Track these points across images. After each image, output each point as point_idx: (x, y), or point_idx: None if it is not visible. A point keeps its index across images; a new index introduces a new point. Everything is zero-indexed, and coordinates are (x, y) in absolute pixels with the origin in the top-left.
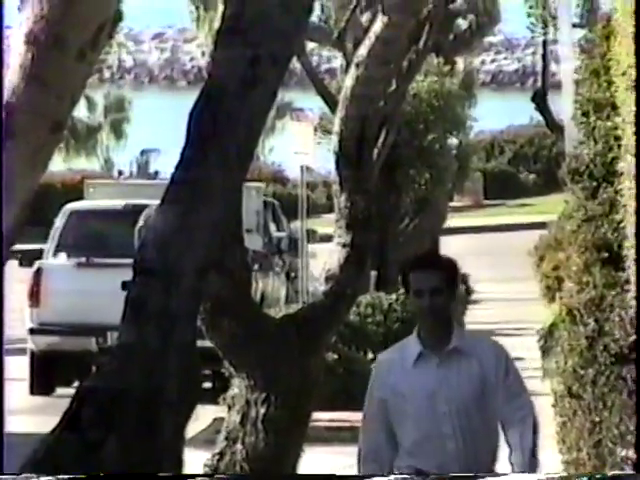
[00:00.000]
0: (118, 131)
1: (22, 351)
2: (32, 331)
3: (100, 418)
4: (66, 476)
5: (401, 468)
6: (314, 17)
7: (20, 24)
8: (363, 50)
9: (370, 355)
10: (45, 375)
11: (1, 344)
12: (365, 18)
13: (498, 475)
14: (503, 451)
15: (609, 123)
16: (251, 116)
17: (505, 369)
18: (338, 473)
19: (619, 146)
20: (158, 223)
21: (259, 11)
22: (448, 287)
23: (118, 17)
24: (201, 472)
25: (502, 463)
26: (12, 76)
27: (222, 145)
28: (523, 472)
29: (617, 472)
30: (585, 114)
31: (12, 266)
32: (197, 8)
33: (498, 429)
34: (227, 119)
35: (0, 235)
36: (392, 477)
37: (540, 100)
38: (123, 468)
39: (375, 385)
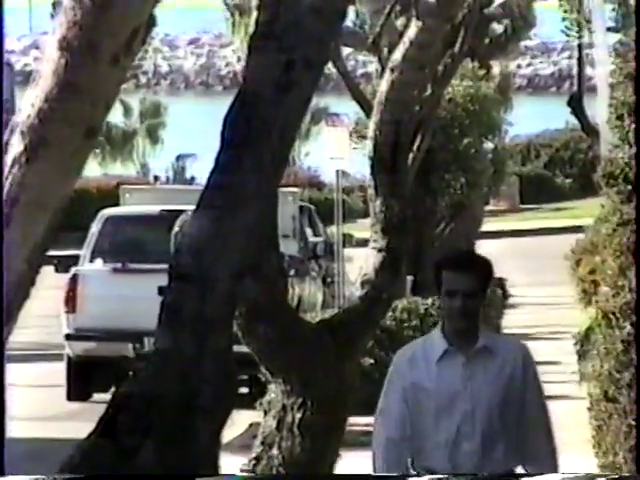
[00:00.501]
0: (154, 136)
1: (59, 357)
2: (69, 337)
3: (136, 424)
4: (66, 475)
5: (417, 467)
6: (349, 22)
7: (53, 30)
8: (398, 55)
9: None
10: (82, 381)
11: (2, 345)
12: (400, 23)
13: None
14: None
15: None
16: (285, 121)
17: (533, 371)
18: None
19: None
20: (193, 228)
21: (293, 16)
22: (481, 290)
23: (152, 22)
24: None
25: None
26: (45, 83)
27: (257, 150)
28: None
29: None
30: (620, 117)
31: (48, 272)
32: (232, 14)
33: (519, 433)
34: (262, 124)
35: (0, 229)
36: None
37: (576, 104)
38: (159, 474)
39: (395, 375)
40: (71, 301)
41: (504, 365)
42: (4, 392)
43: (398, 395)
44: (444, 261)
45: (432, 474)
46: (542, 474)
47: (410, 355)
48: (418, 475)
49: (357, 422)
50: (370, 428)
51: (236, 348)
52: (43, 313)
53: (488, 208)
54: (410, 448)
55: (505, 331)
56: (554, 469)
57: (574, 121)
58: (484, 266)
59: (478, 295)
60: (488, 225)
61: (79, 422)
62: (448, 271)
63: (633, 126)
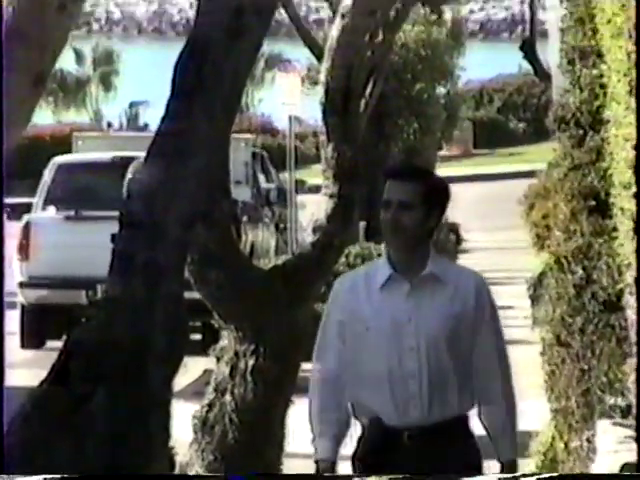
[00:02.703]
0: (107, 83)
1: (12, 305)
2: (22, 285)
3: (88, 371)
4: (66, 475)
5: (359, 414)
6: None
7: None
8: (348, 0)
9: None
10: (35, 328)
11: (2, 345)
12: None
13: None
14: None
15: (594, 71)
16: (236, 67)
17: (489, 303)
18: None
19: (605, 94)
20: (144, 175)
21: None
22: (423, 204)
23: None
24: (190, 425)
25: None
26: None
27: (207, 96)
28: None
29: (617, 472)
30: (570, 62)
31: None
32: None
33: (472, 371)
34: (212, 70)
35: (1, 224)
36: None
37: (528, 49)
38: (111, 421)
39: (333, 306)
40: (24, 249)
41: (455, 295)
42: (3, 393)
43: (335, 329)
44: (387, 170)
45: (376, 423)
46: (498, 419)
47: (350, 283)
48: (363, 426)
49: (310, 368)
50: None
51: (189, 295)
52: None
53: (441, 153)
54: (349, 388)
55: None
56: (510, 412)
57: (527, 66)
58: (431, 180)
59: (417, 209)
60: (441, 170)
61: (33, 369)
62: (388, 180)
63: (584, 70)
